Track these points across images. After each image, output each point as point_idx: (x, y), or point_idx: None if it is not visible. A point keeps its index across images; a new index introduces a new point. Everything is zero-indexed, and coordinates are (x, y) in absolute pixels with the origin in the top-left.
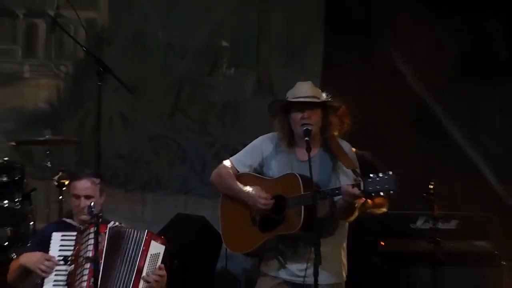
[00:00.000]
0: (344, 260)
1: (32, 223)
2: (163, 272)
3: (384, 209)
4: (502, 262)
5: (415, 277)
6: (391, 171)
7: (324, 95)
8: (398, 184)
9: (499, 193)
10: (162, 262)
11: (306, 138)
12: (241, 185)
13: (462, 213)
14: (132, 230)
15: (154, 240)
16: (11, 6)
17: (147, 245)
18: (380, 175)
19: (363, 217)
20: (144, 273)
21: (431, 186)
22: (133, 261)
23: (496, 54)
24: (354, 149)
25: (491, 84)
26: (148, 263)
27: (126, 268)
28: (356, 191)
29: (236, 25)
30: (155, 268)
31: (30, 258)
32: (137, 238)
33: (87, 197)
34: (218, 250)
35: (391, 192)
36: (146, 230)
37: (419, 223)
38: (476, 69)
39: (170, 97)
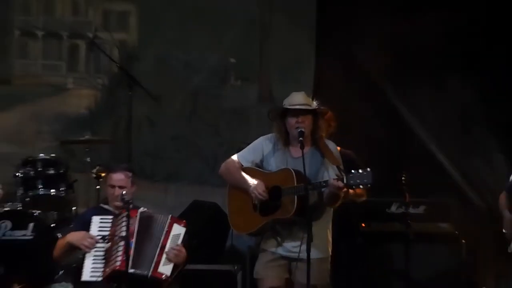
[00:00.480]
0: (330, 239)
1: (74, 208)
2: (183, 249)
3: (364, 198)
4: (462, 240)
5: (390, 252)
6: (369, 167)
7: (314, 103)
8: (375, 178)
9: (459, 184)
10: (183, 242)
11: (301, 139)
12: (246, 176)
13: (428, 200)
14: (159, 215)
15: (176, 223)
16: (57, 29)
17: (170, 227)
18: (360, 171)
19: (347, 203)
20: (166, 249)
21: (403, 178)
22: (157, 239)
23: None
24: (339, 148)
25: (448, 83)
26: (170, 241)
27: (152, 245)
28: (340, 184)
29: (242, 45)
30: (176, 245)
31: (75, 236)
32: (162, 221)
33: (121, 187)
34: (228, 230)
35: (369, 185)
36: (170, 215)
37: (393, 208)
38: (436, 70)
39: (188, 105)
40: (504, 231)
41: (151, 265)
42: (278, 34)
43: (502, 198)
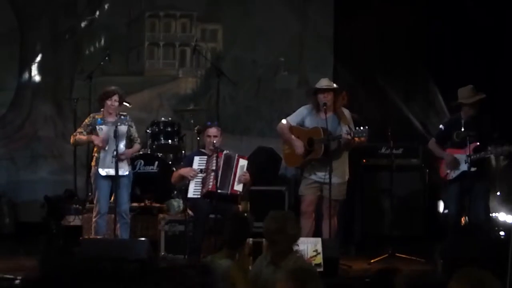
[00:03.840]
0: (347, 170)
1: (183, 151)
2: (247, 174)
3: (365, 144)
4: (426, 170)
5: (381, 178)
6: (367, 126)
7: (334, 85)
8: (370, 133)
9: (425, 135)
10: (247, 169)
11: (324, 107)
12: (292, 136)
13: (405, 144)
14: (232, 153)
15: (241, 158)
16: (172, 41)
17: (238, 161)
18: (361, 128)
19: (356, 148)
20: (237, 175)
21: (389, 131)
22: (232, 169)
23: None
24: (350, 113)
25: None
26: (239, 170)
27: (229, 174)
28: (349, 136)
29: (288, 50)
30: (243, 172)
31: (184, 170)
32: (233, 157)
33: (214, 137)
34: (279, 164)
35: (366, 136)
36: (237, 154)
37: (383, 150)
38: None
39: (254, 87)
40: (448, 171)
41: (229, 186)
42: (310, 44)
43: (433, 144)
